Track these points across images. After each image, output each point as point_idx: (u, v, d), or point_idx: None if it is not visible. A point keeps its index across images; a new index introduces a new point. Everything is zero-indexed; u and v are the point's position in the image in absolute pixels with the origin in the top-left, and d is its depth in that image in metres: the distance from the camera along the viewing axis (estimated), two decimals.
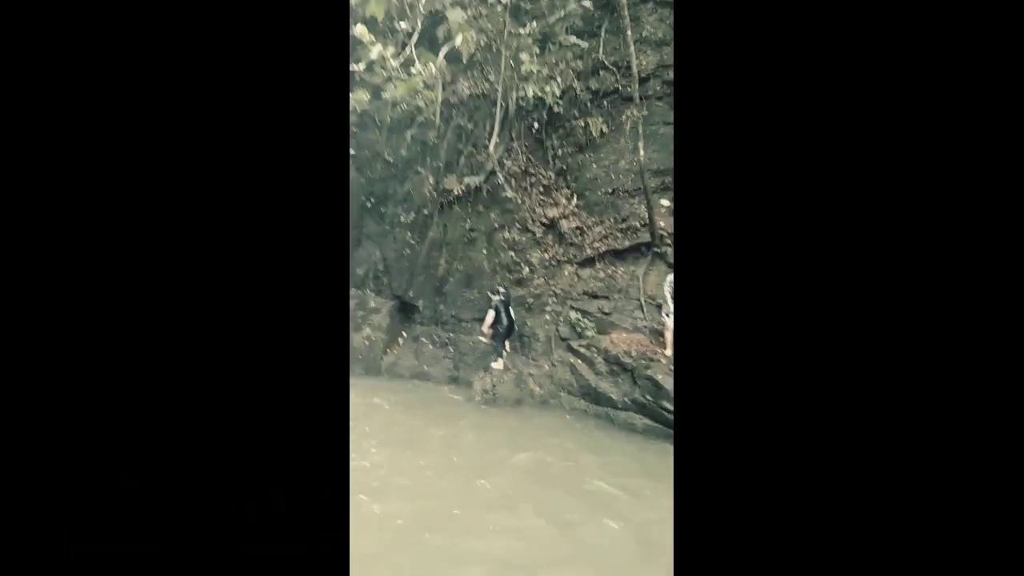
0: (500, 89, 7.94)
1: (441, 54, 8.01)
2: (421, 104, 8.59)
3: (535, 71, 7.79)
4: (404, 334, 8.88)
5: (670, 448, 5.52)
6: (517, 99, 7.83)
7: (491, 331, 7.28)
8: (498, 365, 7.26)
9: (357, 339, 8.66)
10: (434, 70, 8.30)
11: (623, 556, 3.52)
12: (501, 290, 7.46)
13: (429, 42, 8.65)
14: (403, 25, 8.73)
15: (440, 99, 8.52)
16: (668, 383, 5.78)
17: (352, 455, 4.90)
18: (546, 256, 7.68)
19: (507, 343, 7.41)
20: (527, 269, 7.74)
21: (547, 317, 7.44)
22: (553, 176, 8.01)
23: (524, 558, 3.44)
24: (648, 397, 5.96)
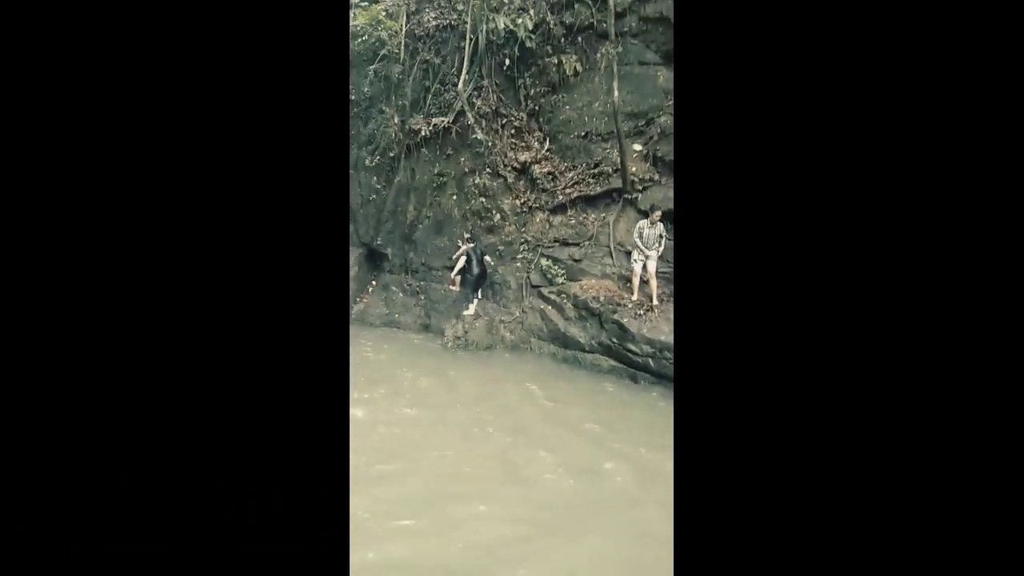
0: (469, 21, 7.42)
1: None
2: (384, 36, 8.00)
3: (506, 1, 7.28)
4: (374, 282, 8.74)
5: (634, 385, 5.84)
6: (487, 32, 7.35)
7: (460, 278, 7.24)
8: (469, 312, 7.29)
9: None
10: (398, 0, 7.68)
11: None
12: (468, 236, 7.37)
13: None
14: None
15: (404, 30, 7.94)
16: (633, 326, 6.00)
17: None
18: (517, 203, 7.54)
19: (479, 291, 7.41)
20: (498, 216, 7.61)
21: (518, 264, 7.41)
22: (525, 118, 7.71)
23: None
24: (614, 340, 6.15)
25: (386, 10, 7.81)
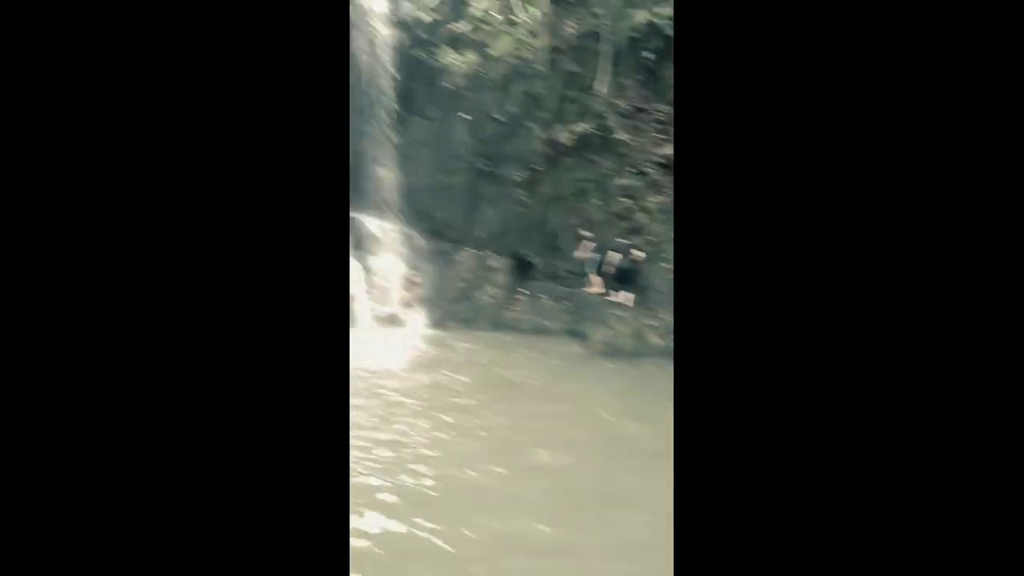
0: (609, 22, 7.32)
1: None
2: (527, 55, 8.38)
3: None
4: (523, 290, 9.05)
5: None
6: (628, 30, 7.14)
7: (598, 279, 7.05)
8: (619, 299, 7.02)
9: (482, 297, 9.08)
10: (539, 15, 7.99)
11: None
12: (588, 235, 7.15)
13: None
14: None
15: (546, 45, 8.20)
16: None
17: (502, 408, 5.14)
18: (664, 199, 7.05)
19: (620, 292, 7.10)
20: (643, 216, 7.21)
21: (664, 266, 6.89)
22: (669, 110, 7.23)
23: None
24: None
25: (529, 30, 8.18)
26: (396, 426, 4.62)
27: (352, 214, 8.57)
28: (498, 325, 8.90)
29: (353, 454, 3.76)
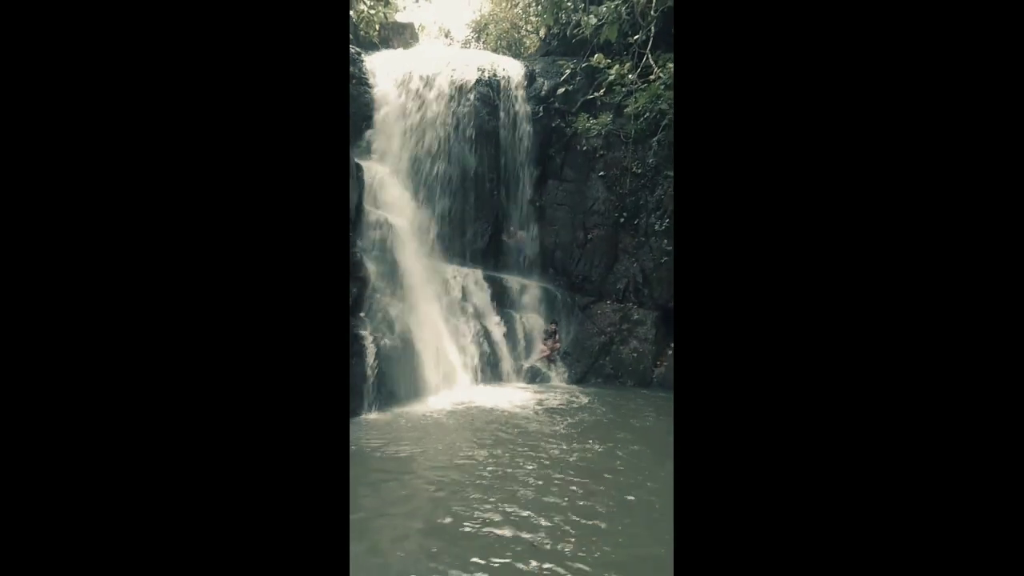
0: None
1: (674, 48, 7.74)
2: (664, 107, 8.42)
3: None
4: (673, 344, 8.41)
5: None
6: None
7: None
8: None
9: (625, 352, 8.63)
10: (672, 69, 8.08)
11: None
12: None
13: (666, 42, 8.51)
14: (637, 37, 8.86)
15: None
16: None
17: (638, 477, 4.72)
18: None
19: None
20: None
21: None
22: None
23: None
24: None
25: (664, 83, 8.28)
26: None
27: (495, 273, 8.95)
28: (643, 382, 8.30)
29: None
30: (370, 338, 6.34)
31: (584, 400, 7.10)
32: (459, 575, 2.76)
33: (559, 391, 7.63)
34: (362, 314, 6.49)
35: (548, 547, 3.07)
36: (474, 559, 2.91)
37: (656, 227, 8.86)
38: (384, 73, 9.21)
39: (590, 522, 3.42)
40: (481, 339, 8.05)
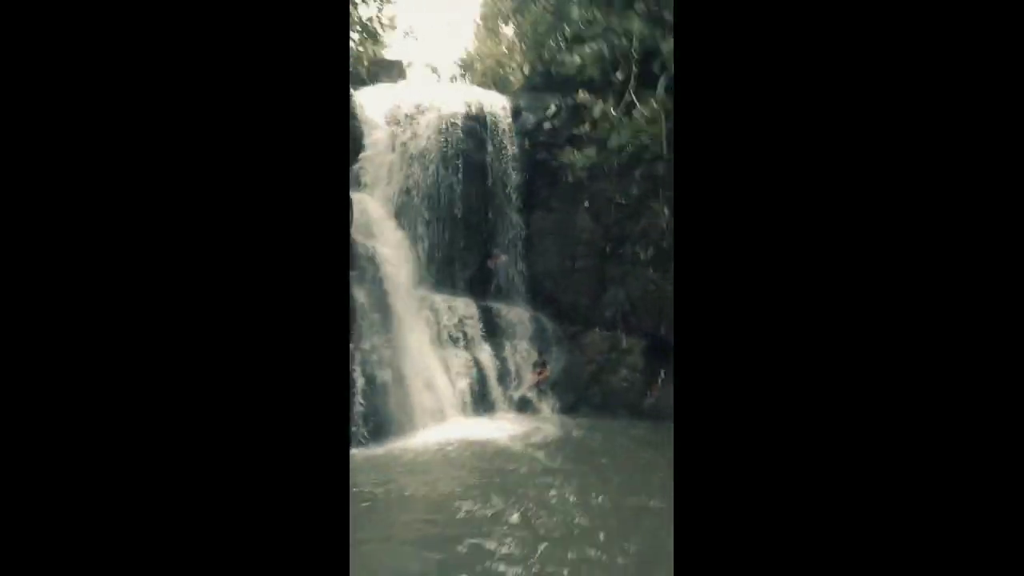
0: None
1: (660, 87, 8.10)
2: (646, 141, 8.72)
3: None
4: (663, 372, 8.46)
5: None
6: None
7: None
8: None
9: (615, 381, 8.64)
10: (654, 104, 8.42)
11: None
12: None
13: (647, 79, 8.88)
14: (619, 75, 9.22)
15: (665, 130, 8.50)
16: None
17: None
18: None
19: None
20: None
21: None
22: None
23: None
24: None
25: (646, 118, 8.59)
26: None
27: (484, 303, 8.97)
28: (634, 411, 8.28)
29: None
30: (359, 370, 6.24)
31: (576, 433, 7.04)
32: None
33: (549, 422, 7.56)
34: (351, 346, 6.41)
35: None
36: None
37: (641, 256, 9.02)
38: (373, 107, 9.38)
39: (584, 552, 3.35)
40: (471, 369, 7.99)
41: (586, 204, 9.57)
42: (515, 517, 3.97)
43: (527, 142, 9.88)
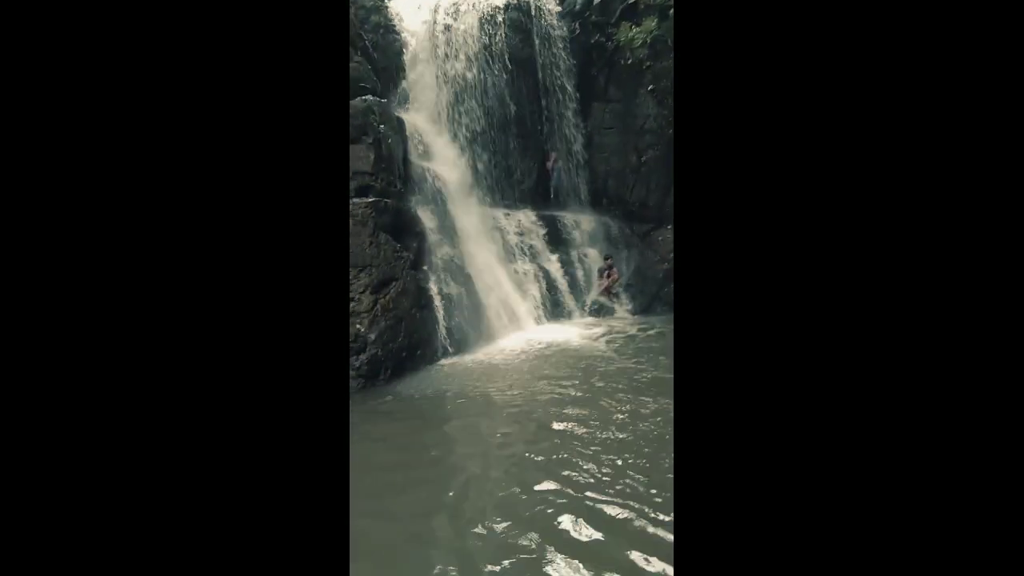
0: None
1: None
2: None
3: None
4: None
5: None
6: None
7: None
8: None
9: None
10: None
11: None
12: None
13: None
14: None
15: None
16: None
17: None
18: None
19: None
20: None
21: None
22: None
23: None
24: None
25: None
26: None
27: (547, 212, 8.77)
28: None
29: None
30: (435, 288, 6.53)
31: (651, 331, 7.03)
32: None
33: (624, 322, 7.59)
34: (424, 267, 6.66)
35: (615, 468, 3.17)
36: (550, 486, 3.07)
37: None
38: (410, 14, 8.80)
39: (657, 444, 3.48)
40: (540, 279, 8.07)
41: (649, 87, 8.65)
42: (587, 397, 4.17)
43: (577, 25, 8.89)
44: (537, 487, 3.02)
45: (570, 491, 2.95)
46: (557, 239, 8.64)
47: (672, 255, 8.52)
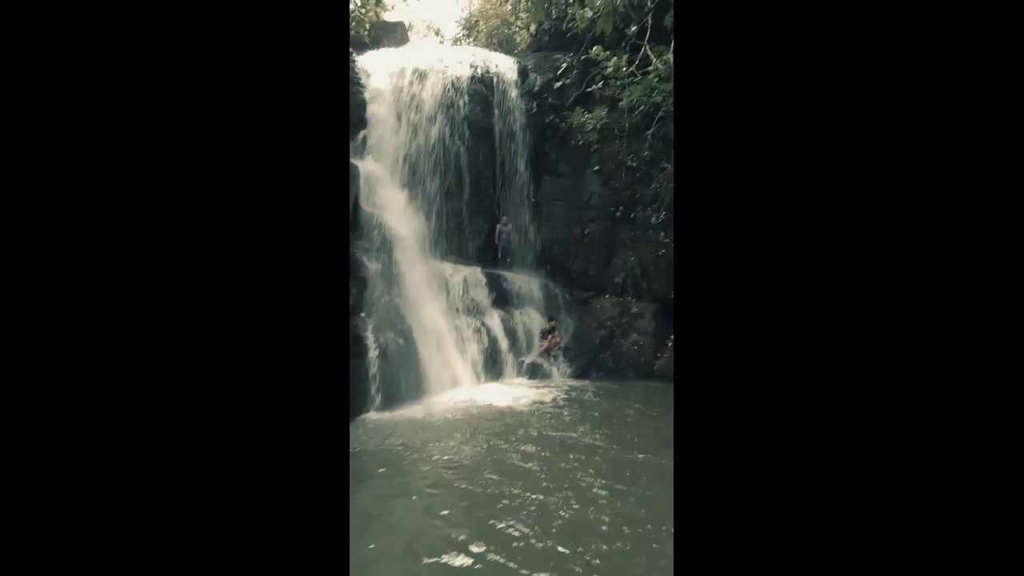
0: None
1: (674, 43, 7.75)
2: (658, 99, 8.42)
3: None
4: (672, 337, 8.45)
5: None
6: None
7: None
8: None
9: (625, 345, 8.66)
10: (669, 60, 8.08)
11: None
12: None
13: (661, 34, 8.51)
14: (633, 29, 8.84)
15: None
16: None
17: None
18: None
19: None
20: None
21: None
22: None
23: None
24: None
25: (659, 75, 8.28)
26: None
27: (493, 271, 8.94)
28: (645, 374, 8.33)
29: None
30: (372, 338, 6.32)
31: (586, 396, 7.12)
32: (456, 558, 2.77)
33: (561, 387, 7.65)
34: (363, 314, 6.47)
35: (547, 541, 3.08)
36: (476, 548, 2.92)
37: (652, 220, 8.87)
38: (377, 72, 9.16)
39: (589, 508, 3.44)
40: (482, 336, 8.05)
41: (596, 168, 9.36)
42: (513, 464, 4.07)
43: (535, 104, 9.61)
44: (446, 559, 2.86)
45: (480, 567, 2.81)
46: (502, 297, 8.76)
47: (609, 322, 8.85)
